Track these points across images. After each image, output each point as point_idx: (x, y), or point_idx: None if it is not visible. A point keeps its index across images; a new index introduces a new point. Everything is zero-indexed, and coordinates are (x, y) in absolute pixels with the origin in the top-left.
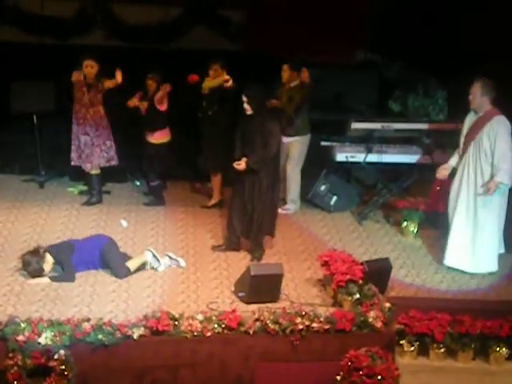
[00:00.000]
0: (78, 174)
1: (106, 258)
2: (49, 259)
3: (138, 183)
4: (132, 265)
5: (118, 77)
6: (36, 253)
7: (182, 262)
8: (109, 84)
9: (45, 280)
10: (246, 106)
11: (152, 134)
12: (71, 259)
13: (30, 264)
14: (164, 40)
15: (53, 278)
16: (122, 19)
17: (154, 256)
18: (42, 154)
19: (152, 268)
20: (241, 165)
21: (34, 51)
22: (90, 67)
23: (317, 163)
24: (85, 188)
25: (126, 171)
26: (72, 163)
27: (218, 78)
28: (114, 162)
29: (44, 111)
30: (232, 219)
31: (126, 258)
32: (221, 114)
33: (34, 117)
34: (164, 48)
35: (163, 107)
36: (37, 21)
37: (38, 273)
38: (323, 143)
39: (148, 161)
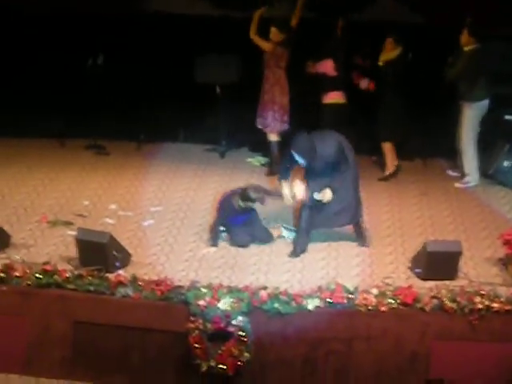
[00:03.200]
0: (258, 145)
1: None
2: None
3: None
4: None
5: None
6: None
7: None
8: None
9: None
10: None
11: (326, 96)
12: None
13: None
14: (352, 11)
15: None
16: None
17: (287, 228)
18: (224, 125)
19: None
20: (327, 194)
21: (219, 24)
22: (273, 34)
23: (500, 138)
24: (263, 159)
25: None
26: (257, 125)
27: (392, 51)
28: (286, 126)
29: (227, 82)
30: None
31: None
32: (396, 85)
33: (217, 88)
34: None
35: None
36: None
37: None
38: (507, 117)
39: (322, 121)
